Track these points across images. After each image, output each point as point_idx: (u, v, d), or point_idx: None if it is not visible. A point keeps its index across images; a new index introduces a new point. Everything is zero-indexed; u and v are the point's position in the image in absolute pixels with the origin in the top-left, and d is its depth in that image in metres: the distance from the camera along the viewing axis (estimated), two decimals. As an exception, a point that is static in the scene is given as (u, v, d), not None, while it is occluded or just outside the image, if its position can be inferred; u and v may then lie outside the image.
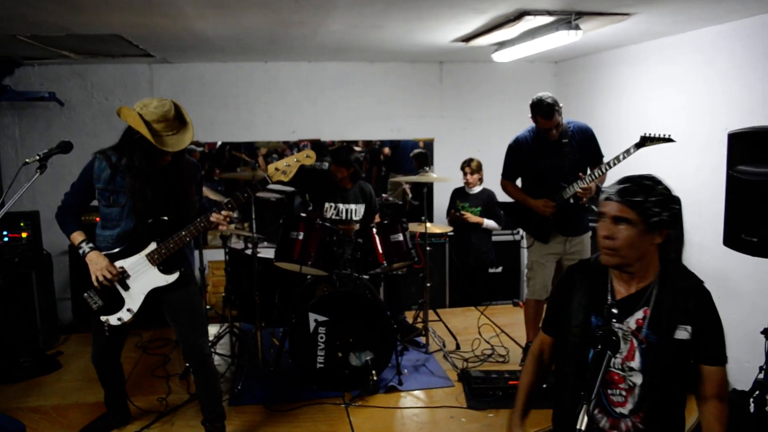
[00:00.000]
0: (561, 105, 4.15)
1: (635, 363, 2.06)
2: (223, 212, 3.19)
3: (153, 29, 4.31)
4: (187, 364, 3.90)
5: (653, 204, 1.98)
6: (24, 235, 4.84)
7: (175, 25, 4.16)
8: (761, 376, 3.40)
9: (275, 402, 4.03)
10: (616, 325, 2.08)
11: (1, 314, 4.60)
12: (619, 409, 2.09)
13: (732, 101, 4.27)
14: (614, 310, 2.03)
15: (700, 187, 4.61)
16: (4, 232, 4.80)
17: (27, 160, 2.63)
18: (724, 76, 4.35)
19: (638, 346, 2.06)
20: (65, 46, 4.87)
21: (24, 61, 5.70)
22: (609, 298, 2.14)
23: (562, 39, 4.09)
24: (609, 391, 2.12)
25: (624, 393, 2.09)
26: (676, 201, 2.08)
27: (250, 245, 4.47)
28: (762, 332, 3.37)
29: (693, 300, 2.02)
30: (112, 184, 3.19)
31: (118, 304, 3.24)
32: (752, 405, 3.51)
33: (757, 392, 3.43)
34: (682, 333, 2.00)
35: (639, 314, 2.07)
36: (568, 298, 2.23)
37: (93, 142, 5.87)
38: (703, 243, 4.63)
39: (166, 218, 3.21)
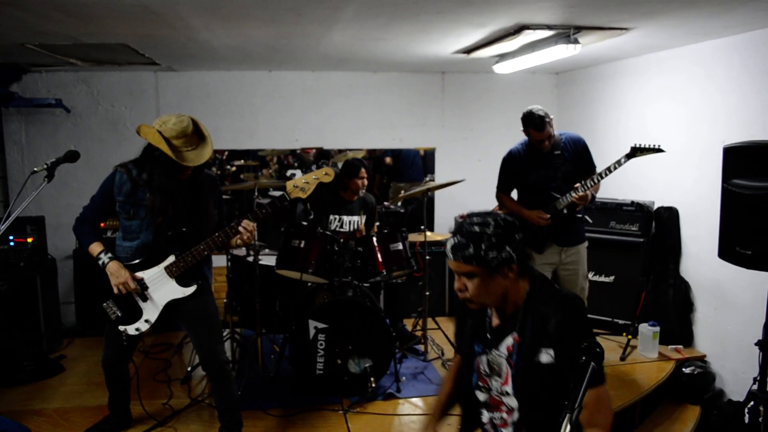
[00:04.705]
0: (552, 117, 4.20)
1: (509, 387, 2.08)
2: (243, 227, 3.23)
3: (159, 39, 4.38)
4: (204, 372, 3.96)
5: (485, 250, 1.94)
6: (29, 240, 4.89)
7: (181, 35, 4.22)
8: (755, 387, 3.44)
9: (274, 407, 4.08)
10: (494, 351, 2.11)
11: (5, 318, 4.64)
12: (503, 430, 2.13)
13: (730, 114, 4.32)
14: (488, 336, 2.10)
15: (697, 198, 4.66)
16: (10, 237, 4.84)
17: (35, 168, 2.68)
18: (722, 89, 4.40)
19: (510, 371, 2.07)
20: (72, 54, 4.94)
21: (31, 68, 5.77)
22: (486, 326, 2.18)
23: (561, 52, 4.15)
24: (492, 414, 2.17)
25: (505, 416, 2.12)
26: (513, 230, 1.99)
27: (251, 252, 4.52)
28: (756, 344, 3.42)
29: (553, 322, 1.95)
30: (133, 197, 3.25)
31: (136, 314, 3.30)
32: (747, 415, 3.56)
33: (751, 403, 3.47)
34: (545, 357, 1.95)
35: (509, 340, 2.07)
36: (464, 326, 2.30)
37: (98, 148, 5.98)
38: (700, 255, 4.67)
39: (184, 230, 3.27)
